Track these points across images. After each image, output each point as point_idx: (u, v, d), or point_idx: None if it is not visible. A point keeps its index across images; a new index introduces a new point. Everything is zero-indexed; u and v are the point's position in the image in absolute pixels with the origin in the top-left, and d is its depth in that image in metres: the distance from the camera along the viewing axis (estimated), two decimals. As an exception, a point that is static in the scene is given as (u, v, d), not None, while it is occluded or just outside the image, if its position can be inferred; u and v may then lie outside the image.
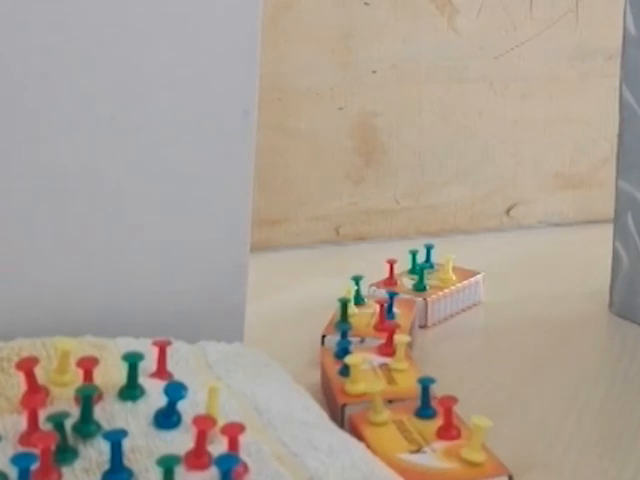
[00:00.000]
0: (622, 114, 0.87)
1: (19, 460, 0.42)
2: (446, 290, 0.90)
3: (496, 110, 1.22)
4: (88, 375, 0.52)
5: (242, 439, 0.46)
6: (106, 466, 0.45)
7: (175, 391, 0.50)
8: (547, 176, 1.27)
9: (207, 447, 0.46)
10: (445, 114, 1.20)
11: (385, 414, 0.60)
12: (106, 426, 0.49)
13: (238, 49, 0.64)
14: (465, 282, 0.93)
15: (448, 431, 0.57)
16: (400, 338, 0.70)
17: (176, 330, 0.63)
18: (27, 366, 0.51)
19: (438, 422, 0.58)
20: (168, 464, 0.43)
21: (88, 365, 0.52)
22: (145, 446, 0.47)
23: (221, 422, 0.48)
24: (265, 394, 0.56)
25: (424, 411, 0.60)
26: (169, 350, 0.57)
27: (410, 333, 0.78)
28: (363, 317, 0.81)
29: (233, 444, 0.46)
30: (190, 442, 0.46)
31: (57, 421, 0.46)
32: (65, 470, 0.45)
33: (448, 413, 0.58)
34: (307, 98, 1.14)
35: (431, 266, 0.95)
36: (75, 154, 0.62)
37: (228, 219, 0.68)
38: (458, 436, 0.57)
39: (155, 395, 0.52)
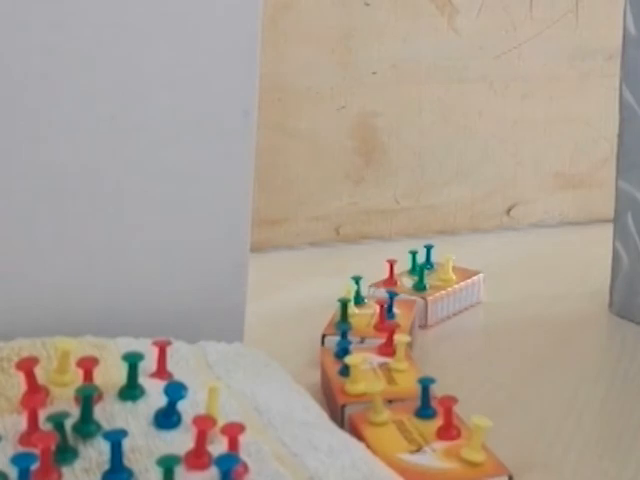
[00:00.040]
0: (622, 114, 0.87)
1: (19, 460, 0.42)
2: (446, 290, 0.90)
3: (496, 110, 1.22)
4: (88, 375, 0.52)
5: (242, 439, 0.46)
6: (106, 466, 0.45)
7: (175, 391, 0.50)
8: (547, 176, 1.27)
9: (207, 447, 0.46)
10: (445, 114, 1.20)
11: (385, 414, 0.60)
12: (106, 426, 0.49)
13: (238, 49, 0.64)
14: (465, 282, 0.93)
15: (448, 431, 0.57)
16: (400, 338, 0.70)
17: (176, 330, 0.63)
18: (27, 366, 0.51)
19: (438, 422, 0.58)
20: (168, 464, 0.43)
21: (88, 365, 0.52)
22: (145, 446, 0.47)
23: (221, 422, 0.48)
24: (265, 394, 0.56)
25: (424, 411, 0.60)
26: (169, 350, 0.57)
27: (410, 333, 0.78)
28: (363, 317, 0.81)
29: (233, 444, 0.46)
30: (190, 442, 0.46)
31: (57, 421, 0.46)
32: (65, 470, 0.45)
33: (448, 413, 0.58)
34: (307, 98, 1.14)
35: (431, 266, 0.95)
36: (75, 154, 0.62)
37: (228, 219, 0.68)
38: (458, 436, 0.57)
39: (155, 395, 0.52)
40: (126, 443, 0.45)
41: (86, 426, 0.48)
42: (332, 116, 1.15)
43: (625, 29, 0.85)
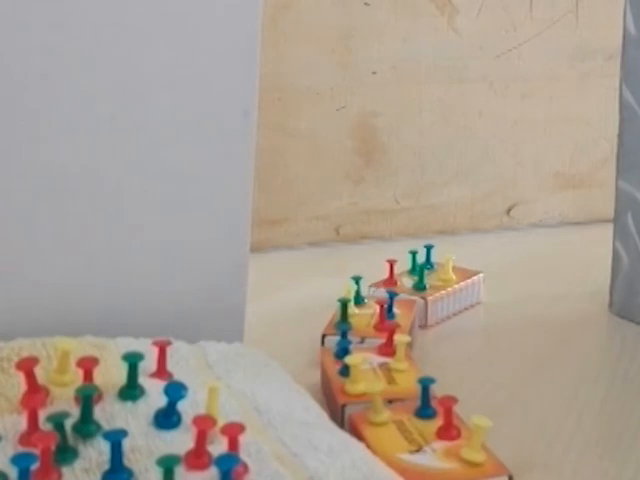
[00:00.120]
0: (622, 114, 0.87)
1: (19, 460, 0.42)
2: (446, 290, 0.90)
3: (496, 110, 1.22)
4: (88, 375, 0.52)
5: (242, 439, 0.46)
6: (106, 466, 0.45)
7: (175, 391, 0.50)
8: (547, 176, 1.27)
9: (207, 447, 0.46)
10: (445, 114, 1.20)
11: (385, 414, 0.60)
12: (106, 426, 0.49)
13: (238, 49, 0.64)
14: (465, 282, 0.93)
15: (448, 431, 0.57)
16: (400, 338, 0.70)
17: (176, 330, 0.63)
18: (27, 366, 0.51)
19: (438, 422, 0.58)
20: (168, 464, 0.43)
21: (88, 365, 0.52)
22: (145, 446, 0.47)
23: (221, 422, 0.48)
24: (265, 394, 0.56)
25: (424, 411, 0.60)
26: (169, 350, 0.57)
27: (410, 333, 0.78)
28: (363, 317, 0.81)
29: (233, 444, 0.46)
30: (190, 442, 0.46)
31: (57, 421, 0.46)
32: (65, 470, 0.45)
33: (448, 413, 0.58)
34: (307, 98, 1.14)
35: (431, 266, 0.95)
36: (75, 154, 0.62)
37: (228, 219, 0.68)
38: (458, 436, 0.57)
39: (155, 395, 0.52)
40: (126, 443, 0.45)
41: (86, 426, 0.48)
42: (332, 116, 1.15)
43: (625, 29, 0.85)
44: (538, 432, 0.66)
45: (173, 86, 0.63)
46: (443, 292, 0.90)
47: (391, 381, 0.67)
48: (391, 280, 0.91)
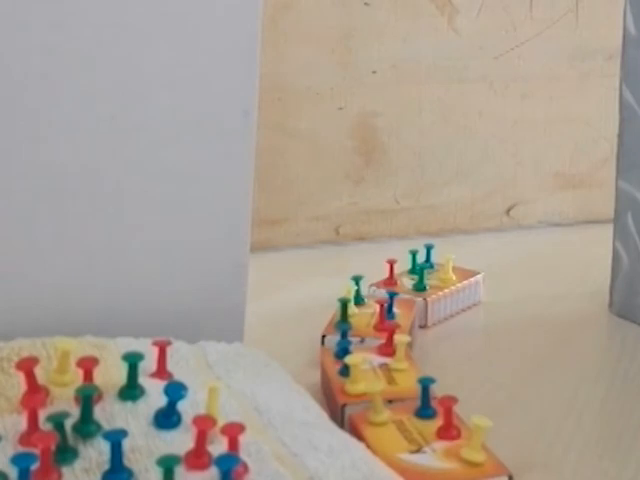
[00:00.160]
0: (622, 114, 0.87)
1: (19, 460, 0.42)
2: (446, 290, 0.90)
3: (496, 110, 1.22)
4: (88, 375, 0.52)
5: (242, 439, 0.46)
6: (106, 466, 0.45)
7: (175, 391, 0.50)
8: (547, 176, 1.27)
9: (207, 447, 0.46)
10: (445, 114, 1.20)
11: (385, 414, 0.60)
12: (106, 426, 0.49)
13: (238, 49, 0.64)
14: (465, 282, 0.93)
15: (448, 431, 0.57)
16: (400, 338, 0.70)
17: (176, 330, 0.63)
18: (27, 366, 0.51)
19: (438, 422, 0.58)
20: (168, 464, 0.43)
21: (88, 365, 0.52)
22: (145, 446, 0.47)
23: (221, 422, 0.48)
24: (265, 394, 0.56)
25: (424, 411, 0.60)
26: (169, 350, 0.57)
27: (410, 333, 0.78)
28: (363, 317, 0.81)
29: (233, 444, 0.46)
30: (190, 442, 0.46)
31: (57, 421, 0.46)
32: (65, 470, 0.45)
33: (448, 413, 0.58)
34: (307, 98, 1.14)
35: (431, 266, 0.95)
36: (75, 154, 0.62)
37: (228, 219, 0.68)
38: (458, 436, 0.57)
39: (155, 395, 0.52)
40: (126, 443, 0.45)
41: (86, 426, 0.48)
42: (332, 116, 1.15)
43: (625, 29, 0.85)
44: (538, 432, 0.66)
45: (173, 86, 0.63)
46: (443, 292, 0.90)
47: (391, 381, 0.67)
48: (391, 280, 0.91)
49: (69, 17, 0.59)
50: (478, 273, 0.95)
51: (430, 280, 0.91)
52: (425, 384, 0.61)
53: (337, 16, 1.13)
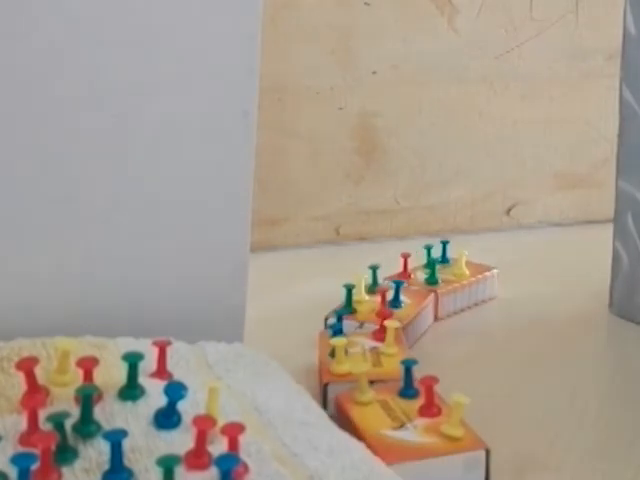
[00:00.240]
0: (622, 114, 0.87)
1: (19, 460, 0.42)
2: (457, 284, 0.91)
3: (496, 110, 1.22)
4: (88, 375, 0.52)
5: (242, 439, 0.46)
6: (106, 466, 0.45)
7: (175, 391, 0.50)
8: (547, 176, 1.27)
9: (207, 447, 0.46)
10: (445, 114, 1.20)
11: (370, 394, 0.62)
12: (106, 426, 0.48)
13: (238, 49, 0.64)
14: (477, 277, 0.94)
15: (429, 409, 0.60)
16: (390, 324, 0.72)
17: (176, 330, 0.63)
18: (27, 366, 0.51)
19: (420, 401, 0.61)
20: (168, 464, 0.43)
21: (88, 365, 0.52)
22: (145, 446, 0.47)
23: (221, 422, 0.48)
24: (265, 394, 0.56)
25: (407, 391, 0.63)
26: (169, 350, 0.57)
27: (418, 323, 0.81)
28: (370, 304, 0.84)
29: (233, 444, 0.46)
30: (190, 442, 0.46)
31: (57, 421, 0.46)
32: (65, 470, 0.45)
33: (429, 392, 0.60)
34: (307, 98, 1.14)
35: (447, 261, 0.96)
36: (75, 155, 0.62)
37: (228, 219, 0.68)
38: (439, 413, 0.60)
39: (155, 395, 0.52)
40: (126, 443, 0.45)
41: (86, 426, 0.48)
42: (332, 116, 1.15)
43: (625, 29, 0.85)
44: (538, 432, 0.66)
45: (173, 86, 0.63)
46: (453, 286, 0.91)
47: (377, 364, 0.70)
48: (405, 273, 0.93)
49: (70, 17, 0.59)
50: (493, 268, 0.96)
51: (443, 275, 0.93)
52: (408, 365, 0.64)
53: (337, 16, 1.13)
